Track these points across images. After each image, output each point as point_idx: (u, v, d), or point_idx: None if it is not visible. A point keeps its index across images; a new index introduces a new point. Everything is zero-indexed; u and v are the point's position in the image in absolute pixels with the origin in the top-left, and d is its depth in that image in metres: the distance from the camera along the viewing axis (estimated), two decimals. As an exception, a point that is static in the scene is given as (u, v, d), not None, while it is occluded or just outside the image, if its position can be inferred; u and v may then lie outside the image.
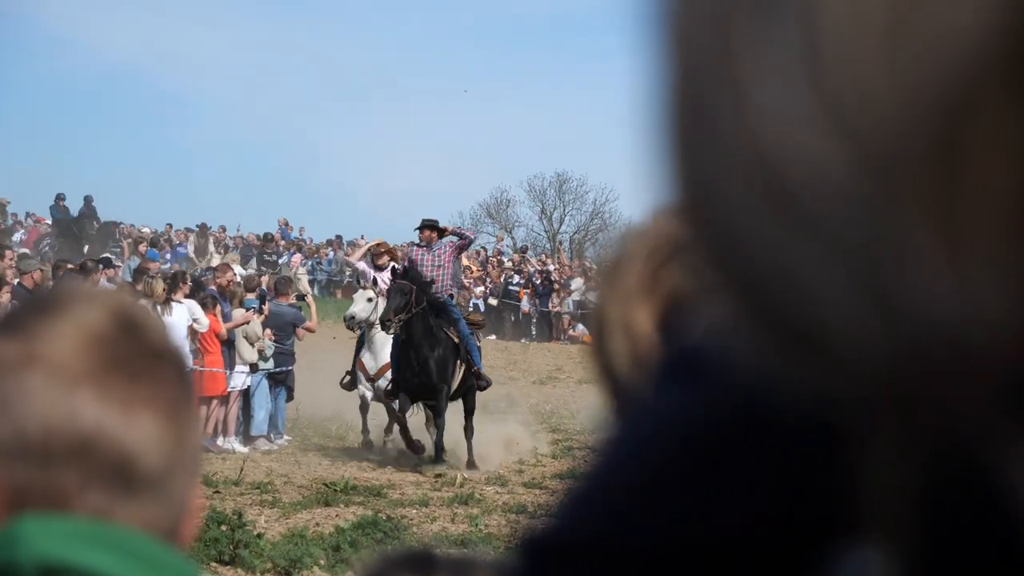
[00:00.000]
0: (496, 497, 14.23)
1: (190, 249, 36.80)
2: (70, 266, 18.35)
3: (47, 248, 34.62)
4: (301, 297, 19.62)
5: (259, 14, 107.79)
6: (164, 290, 16.64)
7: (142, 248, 33.20)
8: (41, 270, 18.19)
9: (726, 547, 0.66)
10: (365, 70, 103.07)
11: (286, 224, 42.59)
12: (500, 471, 16.09)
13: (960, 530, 0.48)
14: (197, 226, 39.01)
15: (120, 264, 23.31)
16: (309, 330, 18.98)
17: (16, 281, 17.01)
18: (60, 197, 38.20)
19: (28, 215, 41.75)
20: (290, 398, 18.39)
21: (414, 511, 13.15)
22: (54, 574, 1.10)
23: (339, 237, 42.18)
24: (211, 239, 39.01)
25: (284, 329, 18.30)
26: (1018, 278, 0.41)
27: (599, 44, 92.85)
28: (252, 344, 17.53)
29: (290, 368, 18.38)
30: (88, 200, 38.27)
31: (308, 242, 42.16)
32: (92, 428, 1.15)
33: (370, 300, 17.67)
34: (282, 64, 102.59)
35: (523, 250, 41.67)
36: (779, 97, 0.43)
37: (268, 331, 17.86)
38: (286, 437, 18.08)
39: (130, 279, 18.62)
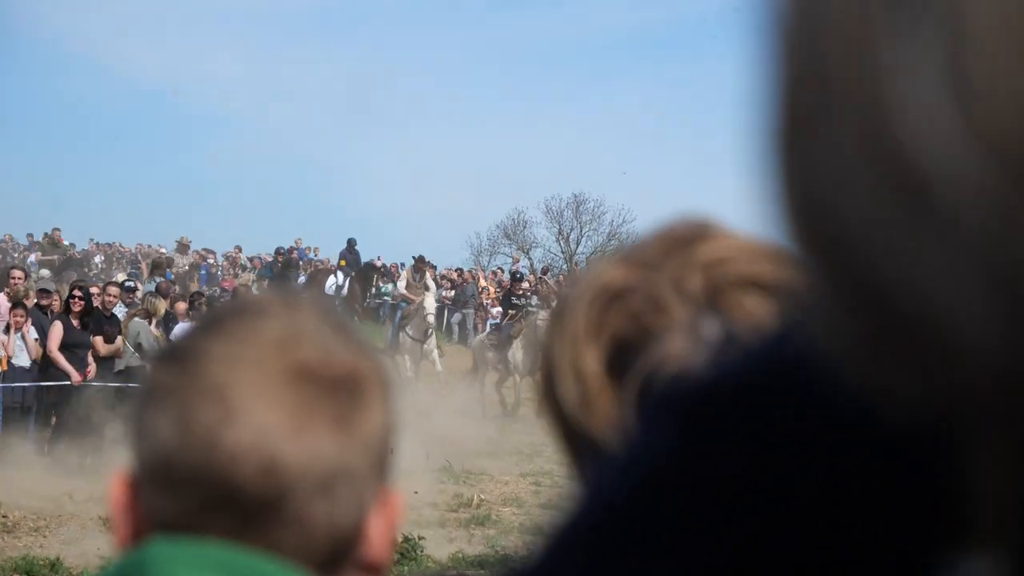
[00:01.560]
0: (513, 518, 14.18)
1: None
2: (94, 289, 18.39)
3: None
4: None
5: (275, 36, 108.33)
6: (186, 309, 16.74)
7: (168, 269, 33.37)
8: (58, 291, 18.27)
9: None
10: (381, 90, 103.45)
11: (301, 244, 42.69)
12: (517, 492, 16.02)
13: None
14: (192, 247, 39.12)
15: (139, 286, 23.35)
16: None
17: (35, 302, 17.09)
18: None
19: (46, 236, 41.90)
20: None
21: (431, 532, 13.10)
22: None
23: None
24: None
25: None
26: None
27: (616, 65, 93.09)
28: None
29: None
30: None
31: (325, 262, 42.20)
32: (275, 453, 1.10)
33: None
34: (291, 85, 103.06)
35: (544, 271, 41.63)
36: (919, 96, 0.43)
37: None
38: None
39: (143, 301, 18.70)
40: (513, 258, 49.43)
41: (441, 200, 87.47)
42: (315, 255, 42.98)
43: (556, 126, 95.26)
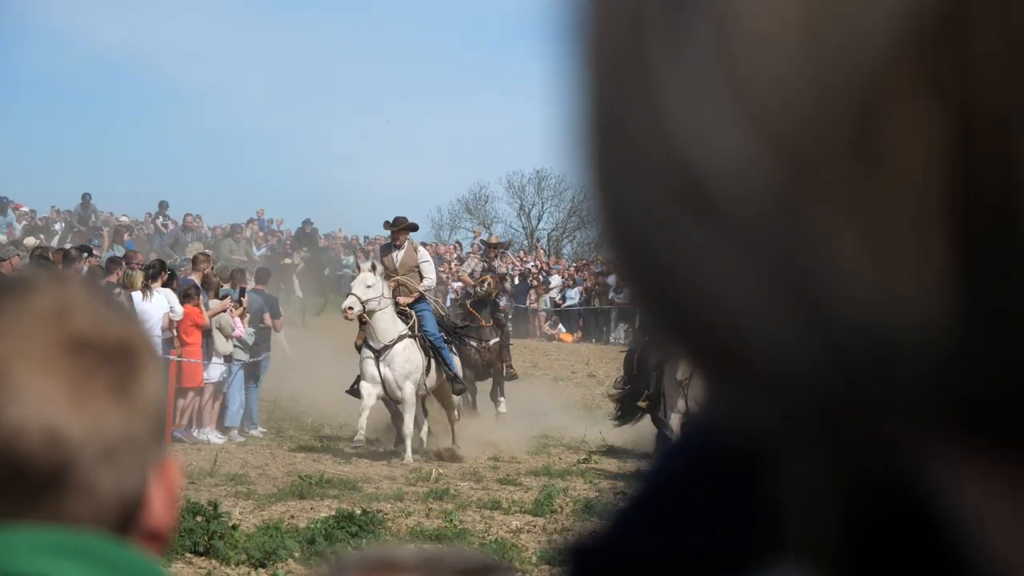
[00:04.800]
0: (471, 493, 14.26)
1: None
2: (51, 254, 18.34)
3: None
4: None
5: (240, 7, 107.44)
6: (143, 282, 16.73)
7: (126, 237, 33.36)
8: (19, 255, 18.19)
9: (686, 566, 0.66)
10: (344, 65, 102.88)
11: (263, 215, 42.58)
12: (475, 467, 16.11)
13: (886, 550, 0.48)
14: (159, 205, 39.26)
15: (99, 253, 23.25)
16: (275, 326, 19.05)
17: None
18: None
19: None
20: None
21: (388, 505, 13.17)
22: None
23: (308, 221, 42.14)
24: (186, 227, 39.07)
25: (255, 316, 18.35)
26: (941, 275, 0.40)
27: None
28: (227, 337, 17.55)
29: (262, 357, 18.42)
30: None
31: (285, 234, 42.11)
32: None
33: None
34: (256, 57, 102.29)
35: (507, 246, 41.62)
36: (693, 98, 0.42)
37: (246, 318, 17.88)
38: (261, 428, 18.09)
39: (105, 268, 18.63)
40: (475, 232, 49.41)
41: (402, 174, 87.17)
42: (278, 226, 42.90)
43: (520, 100, 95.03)
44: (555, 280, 37.64)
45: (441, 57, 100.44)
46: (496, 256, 20.77)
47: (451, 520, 12.42)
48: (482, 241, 21.85)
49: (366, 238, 42.08)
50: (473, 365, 19.27)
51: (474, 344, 19.27)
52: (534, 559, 11.12)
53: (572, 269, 39.08)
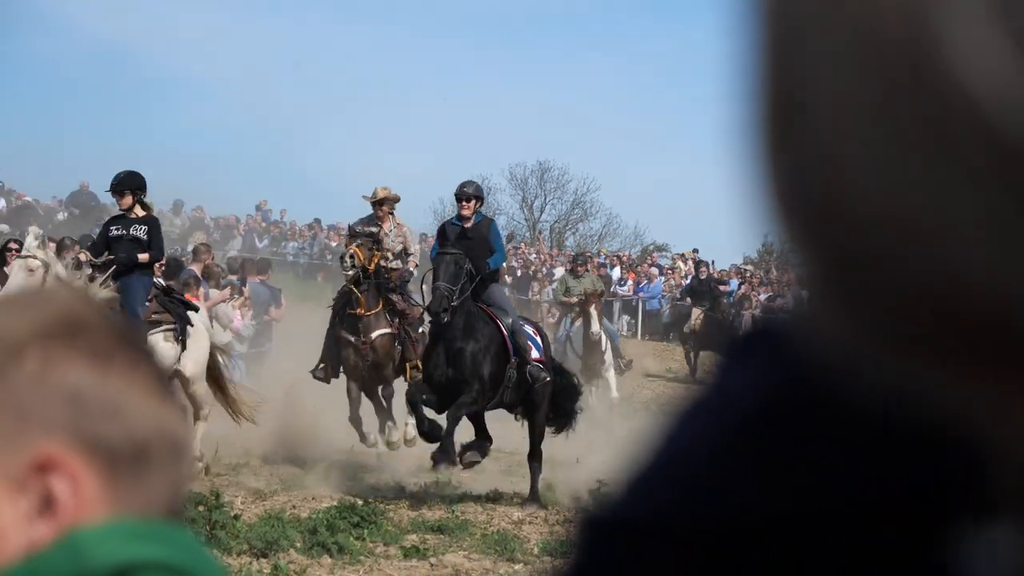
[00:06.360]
0: (472, 483, 14.24)
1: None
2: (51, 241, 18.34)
3: None
4: None
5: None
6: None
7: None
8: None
9: (789, 525, 0.59)
10: (347, 55, 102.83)
11: (266, 206, 42.59)
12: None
13: None
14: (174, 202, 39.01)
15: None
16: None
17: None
18: None
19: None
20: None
21: (391, 496, 13.17)
22: (129, 573, 1.09)
23: (318, 220, 42.14)
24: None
25: (260, 307, 18.45)
26: None
27: (584, 34, 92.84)
28: (224, 327, 17.56)
29: (265, 348, 18.48)
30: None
31: (290, 225, 42.13)
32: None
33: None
34: (261, 46, 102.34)
35: (509, 237, 41.61)
36: (968, 30, 0.39)
37: (247, 310, 17.93)
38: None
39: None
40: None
41: (405, 165, 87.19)
42: (282, 217, 42.89)
43: (522, 92, 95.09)
44: (558, 272, 37.63)
45: (440, 48, 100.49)
46: (385, 216, 14.82)
47: (453, 511, 12.41)
48: (364, 197, 15.16)
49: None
50: (350, 369, 14.43)
51: (351, 338, 14.27)
52: (536, 550, 11.10)
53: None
